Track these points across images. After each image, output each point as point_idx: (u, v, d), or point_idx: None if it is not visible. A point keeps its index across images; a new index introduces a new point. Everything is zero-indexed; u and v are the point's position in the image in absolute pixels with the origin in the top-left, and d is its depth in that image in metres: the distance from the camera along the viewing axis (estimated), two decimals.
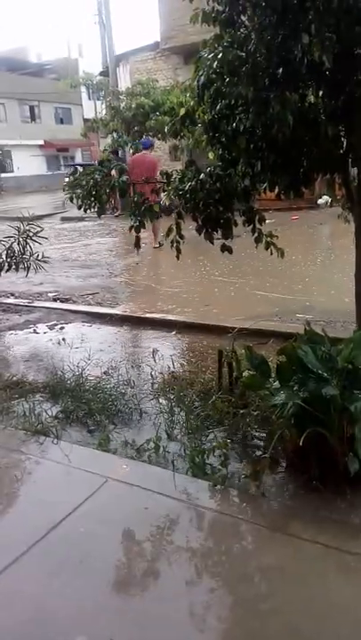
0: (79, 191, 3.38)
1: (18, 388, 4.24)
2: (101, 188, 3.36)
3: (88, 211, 3.51)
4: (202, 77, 3.06)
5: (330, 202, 13.11)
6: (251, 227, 3.77)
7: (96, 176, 3.36)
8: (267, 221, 3.91)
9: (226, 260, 8.01)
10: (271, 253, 3.93)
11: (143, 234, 3.88)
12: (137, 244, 3.60)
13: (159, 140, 15.88)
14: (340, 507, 2.65)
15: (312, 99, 3.20)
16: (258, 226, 3.75)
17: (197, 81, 3.12)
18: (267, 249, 3.88)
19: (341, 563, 2.34)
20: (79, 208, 3.47)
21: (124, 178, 3.41)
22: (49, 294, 7.85)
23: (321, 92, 3.13)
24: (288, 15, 2.78)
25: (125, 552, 2.48)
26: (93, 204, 3.42)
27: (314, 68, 2.82)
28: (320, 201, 14.37)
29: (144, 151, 12.14)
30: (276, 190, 3.57)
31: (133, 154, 16.10)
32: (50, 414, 3.73)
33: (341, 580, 2.27)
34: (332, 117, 3.09)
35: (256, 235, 3.81)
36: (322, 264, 8.85)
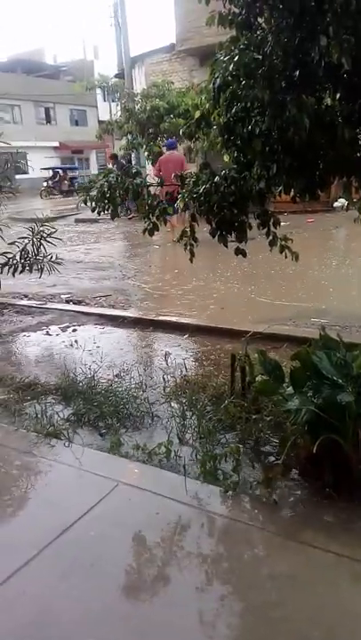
0: (93, 193, 3.38)
1: (30, 390, 4.25)
2: (115, 191, 3.36)
3: (102, 213, 3.51)
4: (218, 80, 3.04)
5: (346, 205, 13.02)
6: (265, 230, 3.73)
7: (110, 178, 3.36)
8: (282, 224, 3.87)
9: (240, 263, 7.99)
10: (286, 257, 3.90)
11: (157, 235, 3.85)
12: (151, 233, 3.56)
13: None
14: (353, 515, 2.61)
15: (329, 101, 3.16)
16: (273, 229, 3.71)
17: (213, 83, 3.09)
18: (281, 252, 3.84)
19: (353, 572, 2.31)
20: (93, 210, 3.46)
21: (138, 180, 3.39)
22: (62, 296, 7.88)
23: (338, 95, 3.09)
24: (306, 17, 2.75)
25: (136, 557, 2.46)
26: (107, 207, 3.41)
27: (331, 70, 2.78)
28: (336, 204, 14.27)
29: (171, 151, 12.98)
30: (292, 193, 3.53)
31: (149, 156, 16.21)
32: (61, 417, 3.73)
33: (353, 588, 2.24)
34: (349, 120, 3.04)
35: (271, 238, 3.78)
36: (337, 268, 8.78)
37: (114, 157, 18.77)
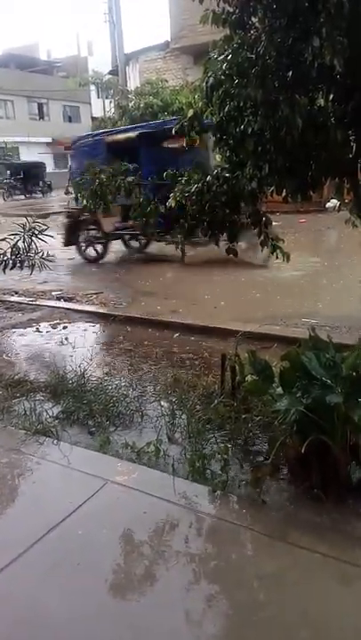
0: (84, 191, 3.37)
1: (19, 387, 4.22)
2: (106, 188, 3.35)
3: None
4: (210, 79, 3.04)
5: (338, 206, 13.06)
6: (257, 230, 3.74)
7: (102, 176, 3.35)
8: (274, 224, 3.89)
9: (231, 262, 8.00)
10: (277, 257, 3.91)
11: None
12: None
13: None
14: (341, 516, 2.62)
15: (322, 102, 3.17)
16: (264, 229, 3.73)
17: (206, 82, 3.10)
18: (273, 252, 3.86)
19: (340, 573, 2.31)
20: (85, 208, 3.45)
21: (130, 178, 3.39)
22: (53, 293, 7.84)
23: (331, 96, 3.11)
24: (299, 18, 2.76)
25: (123, 556, 2.45)
26: (99, 204, 3.40)
27: (324, 71, 2.80)
28: (328, 205, 14.31)
29: None
30: (284, 193, 3.54)
31: None
32: (50, 414, 3.71)
33: (339, 590, 2.24)
34: (341, 122, 3.06)
35: (262, 238, 3.79)
36: (328, 268, 8.81)
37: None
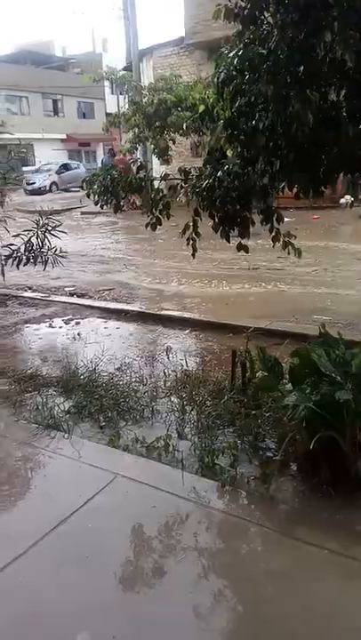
0: (96, 187, 3.38)
1: (31, 382, 4.26)
2: (118, 185, 3.36)
3: (105, 207, 3.52)
4: (222, 74, 3.03)
5: (351, 202, 12.97)
6: (268, 226, 3.73)
7: (113, 172, 3.36)
8: (286, 220, 3.86)
9: (243, 258, 7.99)
10: (288, 253, 3.89)
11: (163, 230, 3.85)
12: (154, 228, 3.55)
13: (181, 136, 15.84)
14: (349, 513, 2.61)
15: (334, 97, 3.14)
16: (276, 225, 3.71)
17: (217, 77, 3.09)
18: (284, 248, 3.84)
19: (347, 570, 2.31)
20: (96, 204, 3.47)
21: (142, 174, 3.40)
22: (65, 289, 7.89)
23: (343, 92, 3.08)
24: (311, 12, 2.74)
25: (131, 549, 2.48)
26: (110, 200, 3.41)
27: (336, 66, 2.78)
28: (342, 201, 14.20)
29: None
30: (295, 189, 3.52)
31: (155, 149, 16.18)
32: (62, 409, 3.75)
33: (346, 586, 2.24)
34: (353, 117, 3.03)
35: (274, 234, 3.77)
36: (341, 265, 8.74)
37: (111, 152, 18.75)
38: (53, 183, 31.06)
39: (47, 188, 30.25)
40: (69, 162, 34.53)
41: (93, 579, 2.28)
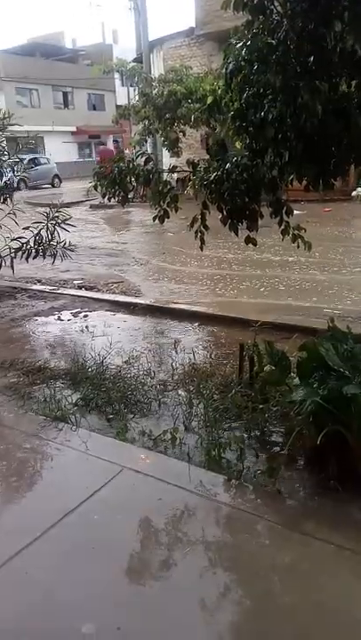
0: (103, 179, 3.37)
1: (40, 374, 4.28)
2: (126, 177, 3.34)
3: (112, 199, 3.50)
4: (230, 65, 2.99)
5: None
6: (278, 219, 3.69)
7: (121, 164, 3.34)
8: (297, 213, 3.82)
9: (252, 251, 7.95)
10: (298, 246, 3.86)
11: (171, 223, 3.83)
12: (162, 221, 3.53)
13: (191, 128, 15.76)
14: (356, 508, 2.60)
15: (345, 88, 3.09)
16: (285, 218, 3.67)
17: (226, 68, 3.05)
18: (294, 242, 3.80)
19: (354, 565, 2.30)
20: (103, 196, 3.46)
21: (149, 166, 3.37)
22: (74, 282, 7.91)
23: (354, 82, 3.03)
24: (320, 1, 2.69)
25: (137, 542, 2.48)
26: (117, 193, 3.40)
27: (347, 56, 2.73)
28: (354, 193, 14.08)
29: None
30: (305, 182, 3.48)
31: (165, 141, 16.05)
32: (70, 401, 3.76)
33: (354, 581, 2.23)
34: None
35: (283, 227, 3.74)
36: (355, 259, 8.68)
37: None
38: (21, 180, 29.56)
39: (14, 186, 28.73)
40: (38, 156, 30.56)
41: (99, 570, 2.29)
